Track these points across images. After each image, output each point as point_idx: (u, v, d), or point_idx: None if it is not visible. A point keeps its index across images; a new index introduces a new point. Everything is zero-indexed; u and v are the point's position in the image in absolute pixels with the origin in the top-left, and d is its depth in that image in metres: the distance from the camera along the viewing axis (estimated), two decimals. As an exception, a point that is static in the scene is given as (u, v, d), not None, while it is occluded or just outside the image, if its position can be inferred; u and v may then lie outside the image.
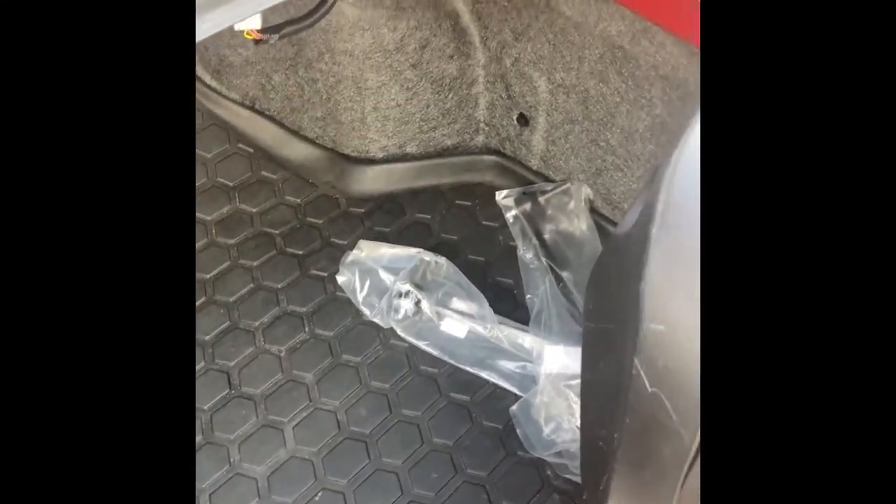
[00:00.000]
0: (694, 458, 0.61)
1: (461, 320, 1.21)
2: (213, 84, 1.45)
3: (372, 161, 1.40)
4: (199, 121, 1.45)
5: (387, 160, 1.40)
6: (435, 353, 1.20)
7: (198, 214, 1.33)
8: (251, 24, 0.90)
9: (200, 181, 1.37)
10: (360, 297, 1.24)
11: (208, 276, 1.26)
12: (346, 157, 1.40)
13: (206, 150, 1.41)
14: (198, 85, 1.43)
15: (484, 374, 1.18)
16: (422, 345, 1.21)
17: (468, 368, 1.19)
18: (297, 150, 1.42)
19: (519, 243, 1.31)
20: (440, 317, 1.22)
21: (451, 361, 1.19)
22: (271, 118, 1.44)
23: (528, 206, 1.35)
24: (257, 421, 1.12)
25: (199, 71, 1.45)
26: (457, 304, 1.23)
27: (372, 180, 1.40)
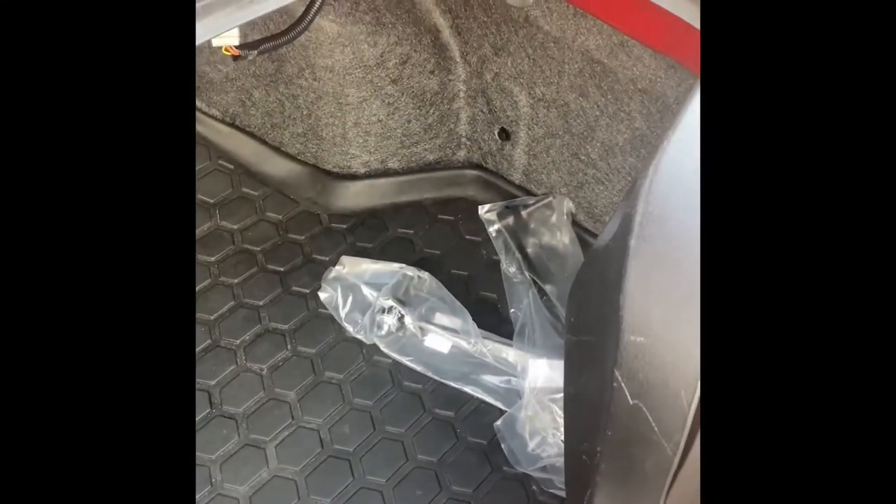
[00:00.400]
0: (677, 471, 0.61)
1: (445, 335, 1.21)
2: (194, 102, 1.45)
3: (354, 177, 1.40)
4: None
5: (369, 176, 1.40)
6: (419, 368, 1.19)
7: (178, 232, 1.31)
8: (229, 40, 0.90)
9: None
10: (342, 313, 1.23)
11: (189, 294, 1.24)
12: (328, 173, 1.40)
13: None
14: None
15: (468, 390, 1.18)
16: (405, 361, 1.20)
17: (452, 384, 1.18)
18: (278, 167, 1.42)
19: (502, 257, 1.31)
20: (424, 332, 1.21)
21: (435, 377, 1.19)
22: (252, 134, 1.43)
23: (510, 220, 1.36)
24: (239, 440, 1.11)
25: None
26: (440, 319, 1.22)
27: (354, 196, 1.40)
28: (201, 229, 1.33)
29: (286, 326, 1.23)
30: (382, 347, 1.21)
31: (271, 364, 1.19)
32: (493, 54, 1.27)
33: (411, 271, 1.26)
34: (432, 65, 1.31)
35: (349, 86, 1.30)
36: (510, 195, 1.39)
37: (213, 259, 1.30)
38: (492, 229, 1.34)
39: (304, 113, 1.36)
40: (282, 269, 1.30)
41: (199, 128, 1.44)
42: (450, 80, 1.34)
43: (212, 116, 1.44)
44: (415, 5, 1.26)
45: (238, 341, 1.21)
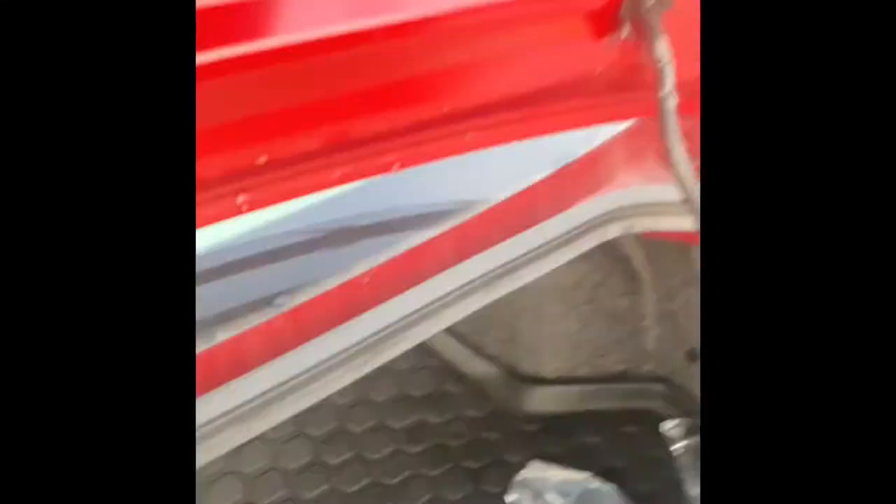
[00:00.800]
0: None
1: (627, 554, 1.23)
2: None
3: (545, 382, 1.52)
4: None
5: (559, 382, 1.51)
6: (600, 585, 1.22)
7: (386, 422, 1.48)
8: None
9: (392, 392, 1.54)
10: (528, 518, 1.30)
11: (393, 482, 1.38)
12: (522, 377, 1.53)
13: (398, 363, 1.60)
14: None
15: None
16: (587, 575, 1.23)
17: None
18: (478, 367, 1.57)
19: (686, 476, 1.32)
20: (606, 548, 1.24)
21: None
22: (458, 336, 1.61)
23: (696, 438, 1.38)
24: None
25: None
26: (623, 536, 1.25)
27: (544, 400, 1.51)
28: (408, 421, 1.49)
29: (475, 524, 1.32)
30: (565, 558, 1.25)
31: (460, 560, 1.27)
32: (682, 284, 1.38)
33: (596, 482, 1.31)
34: (623, 288, 1.44)
35: (547, 303, 1.45)
36: (696, 412, 1.42)
37: (415, 450, 1.44)
38: (676, 447, 1.37)
39: (507, 322, 1.53)
40: (475, 467, 1.41)
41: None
42: (639, 303, 1.45)
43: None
44: (611, 239, 1.41)
45: (431, 533, 1.31)
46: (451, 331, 1.62)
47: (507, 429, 1.47)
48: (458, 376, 1.57)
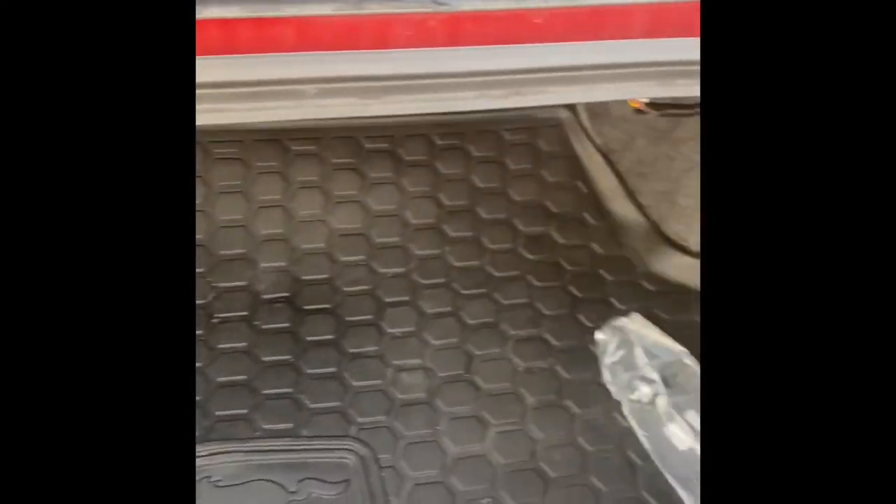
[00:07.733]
0: None
1: (688, 434, 1.20)
2: (586, 124, 1.56)
3: (684, 251, 1.43)
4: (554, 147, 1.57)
5: (697, 256, 1.41)
6: (648, 447, 1.20)
7: (513, 221, 1.47)
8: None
9: (529, 196, 1.51)
10: (607, 360, 1.29)
11: (498, 274, 1.40)
12: (665, 238, 1.44)
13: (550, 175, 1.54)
14: (572, 118, 1.56)
15: (684, 494, 1.16)
16: (640, 434, 1.22)
17: (672, 481, 1.17)
18: (625, 209, 1.49)
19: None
20: (670, 419, 1.21)
21: (660, 465, 1.19)
22: (617, 172, 1.52)
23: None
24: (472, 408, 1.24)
25: (580, 108, 1.57)
26: (692, 417, 1.21)
27: (673, 268, 1.43)
28: (534, 229, 1.47)
29: (555, 344, 1.33)
30: (625, 410, 1.24)
31: (527, 367, 1.30)
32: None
33: (690, 360, 1.26)
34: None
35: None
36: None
37: (528, 256, 1.43)
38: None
39: (671, 176, 1.42)
40: (578, 295, 1.39)
41: (577, 146, 1.56)
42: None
43: (592, 141, 1.56)
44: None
45: (511, 332, 1.33)
46: (611, 165, 1.53)
47: (625, 277, 1.42)
48: (601, 210, 1.50)
